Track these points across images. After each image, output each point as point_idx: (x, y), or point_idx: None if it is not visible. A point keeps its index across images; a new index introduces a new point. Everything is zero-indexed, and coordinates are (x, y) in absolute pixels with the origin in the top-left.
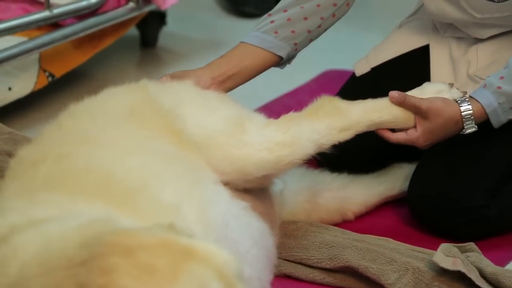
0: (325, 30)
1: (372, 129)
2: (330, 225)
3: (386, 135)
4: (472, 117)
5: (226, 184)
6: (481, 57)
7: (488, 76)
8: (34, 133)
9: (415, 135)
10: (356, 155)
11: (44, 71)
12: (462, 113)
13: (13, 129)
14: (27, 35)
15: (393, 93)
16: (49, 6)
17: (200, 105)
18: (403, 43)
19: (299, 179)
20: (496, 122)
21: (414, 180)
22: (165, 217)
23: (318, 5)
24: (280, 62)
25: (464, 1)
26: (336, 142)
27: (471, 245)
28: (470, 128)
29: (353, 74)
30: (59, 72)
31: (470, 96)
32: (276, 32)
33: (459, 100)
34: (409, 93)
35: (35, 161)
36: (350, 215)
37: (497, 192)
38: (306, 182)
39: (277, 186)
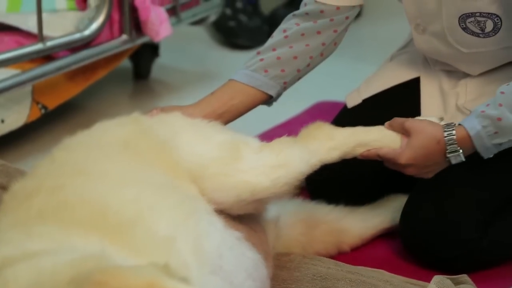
0: (313, 68)
1: (360, 150)
2: (325, 257)
3: (372, 151)
4: (455, 140)
5: (220, 212)
6: (470, 90)
7: None
8: (27, 165)
9: (398, 151)
10: (353, 186)
11: (37, 103)
12: (445, 133)
13: (6, 162)
14: (20, 68)
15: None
16: (42, 39)
17: (194, 134)
18: (394, 76)
19: (294, 211)
20: (482, 148)
21: (405, 213)
22: (160, 250)
23: (307, 45)
24: (269, 100)
25: (450, 36)
26: (327, 162)
27: (464, 277)
28: (454, 153)
29: (345, 106)
30: (52, 104)
31: (457, 124)
32: (266, 71)
33: (443, 123)
34: None
35: (29, 194)
36: (346, 248)
37: (489, 224)
38: (302, 214)
39: (272, 216)
